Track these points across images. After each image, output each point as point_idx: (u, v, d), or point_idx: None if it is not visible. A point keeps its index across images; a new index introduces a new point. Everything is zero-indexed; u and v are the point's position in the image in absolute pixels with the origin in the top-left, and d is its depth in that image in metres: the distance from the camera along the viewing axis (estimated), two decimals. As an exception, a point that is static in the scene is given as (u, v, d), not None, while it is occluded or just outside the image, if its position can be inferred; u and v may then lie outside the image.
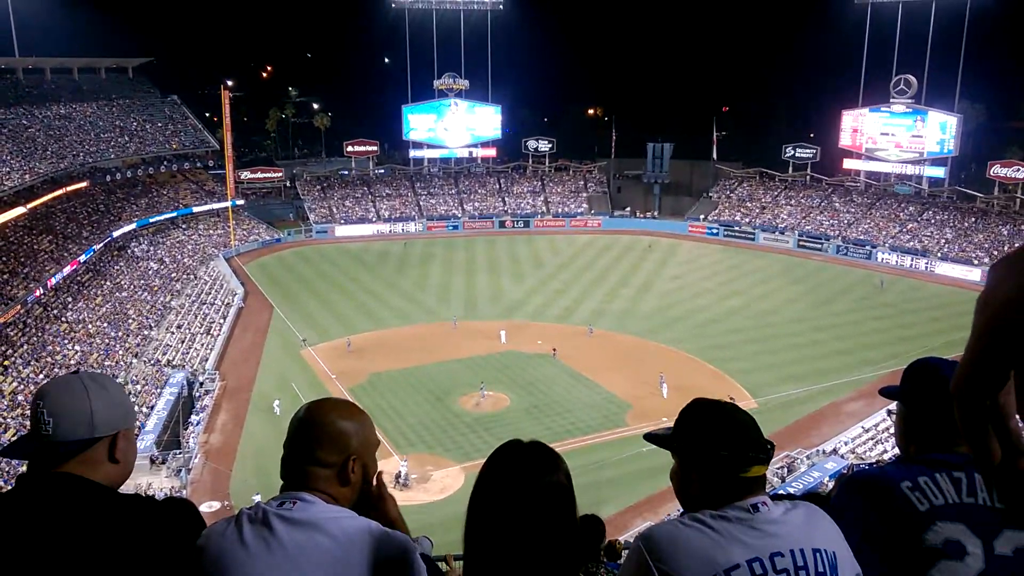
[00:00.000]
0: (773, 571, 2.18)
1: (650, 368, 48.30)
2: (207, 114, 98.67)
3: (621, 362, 50.81)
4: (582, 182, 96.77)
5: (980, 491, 2.32)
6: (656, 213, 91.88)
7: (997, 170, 78.29)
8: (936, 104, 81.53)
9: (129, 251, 70.43)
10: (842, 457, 37.88)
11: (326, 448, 2.44)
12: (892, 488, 2.33)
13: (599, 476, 37.04)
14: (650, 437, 2.55)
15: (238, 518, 2.35)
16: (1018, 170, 77.45)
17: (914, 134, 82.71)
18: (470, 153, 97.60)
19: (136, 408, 43.05)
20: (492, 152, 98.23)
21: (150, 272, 67.23)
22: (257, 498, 31.16)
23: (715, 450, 2.34)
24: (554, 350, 52.12)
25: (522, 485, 2.33)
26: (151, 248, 72.83)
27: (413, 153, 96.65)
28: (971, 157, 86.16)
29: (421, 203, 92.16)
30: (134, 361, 49.82)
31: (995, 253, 71.81)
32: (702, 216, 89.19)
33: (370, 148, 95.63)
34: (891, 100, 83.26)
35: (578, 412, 44.48)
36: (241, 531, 2.30)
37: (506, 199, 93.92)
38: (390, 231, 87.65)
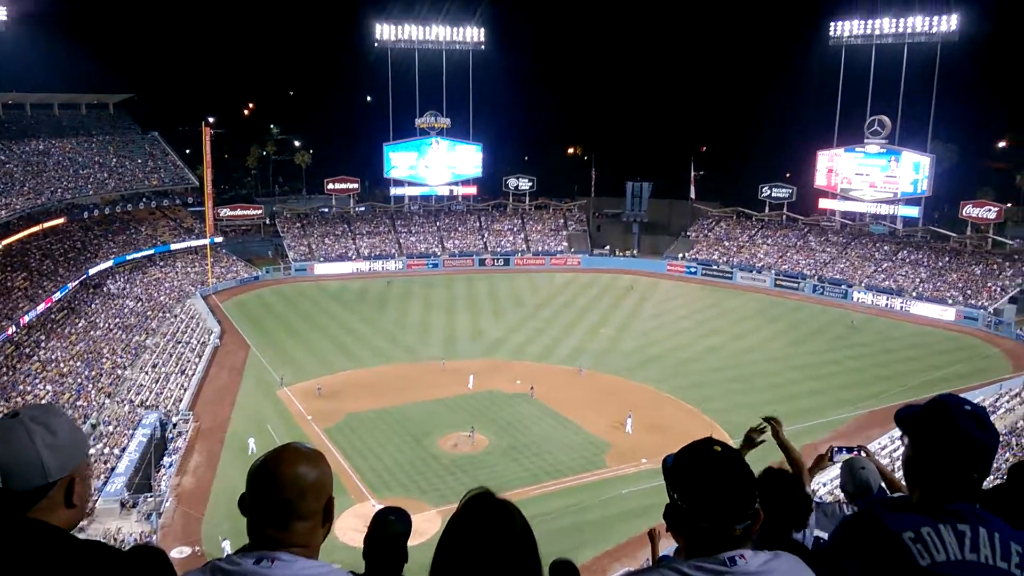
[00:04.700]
0: None
1: (628, 408, 48.20)
2: (187, 151, 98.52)
3: (600, 401, 50.67)
4: (562, 220, 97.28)
5: (983, 547, 2.23)
6: (635, 252, 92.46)
7: (969, 210, 79.51)
8: (909, 145, 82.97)
9: (105, 289, 69.80)
10: (820, 499, 37.67)
11: (310, 499, 2.43)
12: (894, 537, 2.25)
13: (579, 519, 36.78)
14: (664, 469, 2.57)
15: (209, 571, 2.32)
16: (989, 210, 78.71)
17: (888, 174, 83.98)
18: (451, 191, 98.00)
19: (107, 450, 42.36)
20: (473, 190, 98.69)
21: (126, 310, 66.57)
22: (225, 544, 30.60)
23: (697, 521, 2.37)
24: (531, 388, 51.96)
25: (479, 553, 2.27)
26: (127, 286, 72.22)
27: (394, 191, 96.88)
28: (944, 197, 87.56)
29: (401, 241, 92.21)
30: (107, 401, 49.09)
31: (969, 292, 72.76)
32: (680, 255, 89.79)
33: (351, 185, 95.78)
34: (865, 140, 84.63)
35: (557, 453, 44.20)
36: None
37: (486, 237, 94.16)
38: (370, 269, 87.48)
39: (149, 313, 66.96)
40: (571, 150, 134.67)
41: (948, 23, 79.39)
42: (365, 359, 59.33)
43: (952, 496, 2.41)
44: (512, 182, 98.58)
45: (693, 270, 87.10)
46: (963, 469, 2.44)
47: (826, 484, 39.99)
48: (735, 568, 2.27)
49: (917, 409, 2.60)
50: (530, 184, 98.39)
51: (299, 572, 2.31)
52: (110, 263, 73.17)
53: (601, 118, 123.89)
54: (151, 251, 79.25)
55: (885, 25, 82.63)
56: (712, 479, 2.38)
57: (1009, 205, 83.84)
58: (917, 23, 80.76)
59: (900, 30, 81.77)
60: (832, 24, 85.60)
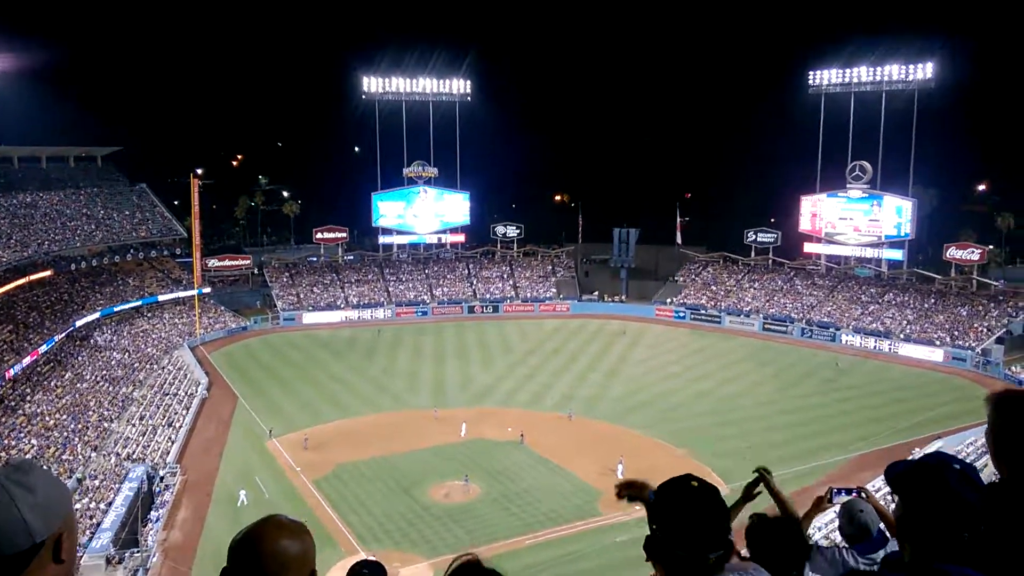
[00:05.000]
0: None
1: (619, 453, 47.89)
2: (176, 202, 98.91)
3: (591, 447, 50.38)
4: (550, 267, 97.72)
5: None
6: (624, 297, 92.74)
7: (953, 252, 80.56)
8: (891, 189, 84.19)
9: (92, 341, 69.33)
10: (815, 543, 37.41)
11: (292, 573, 2.43)
12: None
13: (574, 568, 36.38)
14: (646, 504, 2.80)
15: None
16: (973, 252, 79.79)
17: (871, 218, 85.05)
18: (439, 239, 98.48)
19: (93, 504, 41.69)
20: (461, 238, 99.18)
21: (112, 362, 66.04)
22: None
23: (674, 550, 2.59)
24: (522, 435, 51.69)
25: None
26: (114, 337, 71.76)
27: (382, 239, 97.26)
28: (927, 240, 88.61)
29: (390, 289, 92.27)
30: (93, 455, 48.42)
31: (956, 333, 73.26)
32: (668, 300, 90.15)
33: (339, 235, 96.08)
34: (848, 186, 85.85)
35: (549, 501, 43.79)
36: None
37: (475, 284, 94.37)
38: (359, 317, 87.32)
39: (136, 365, 66.44)
40: (558, 197, 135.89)
41: (924, 71, 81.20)
42: (355, 408, 58.92)
43: (943, 555, 2.41)
44: (500, 229, 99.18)
45: (681, 315, 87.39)
46: (954, 529, 2.45)
47: (821, 528, 39.76)
48: None
49: (907, 466, 2.65)
50: (518, 231, 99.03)
51: None
52: (97, 315, 72.77)
53: (587, 166, 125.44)
54: (139, 302, 78.94)
55: (863, 74, 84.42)
56: (689, 511, 2.59)
57: (990, 247, 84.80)
58: (894, 71, 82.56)
59: (878, 78, 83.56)
60: (811, 73, 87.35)
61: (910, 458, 2.76)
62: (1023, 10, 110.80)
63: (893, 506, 2.81)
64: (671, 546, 2.60)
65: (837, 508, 5.56)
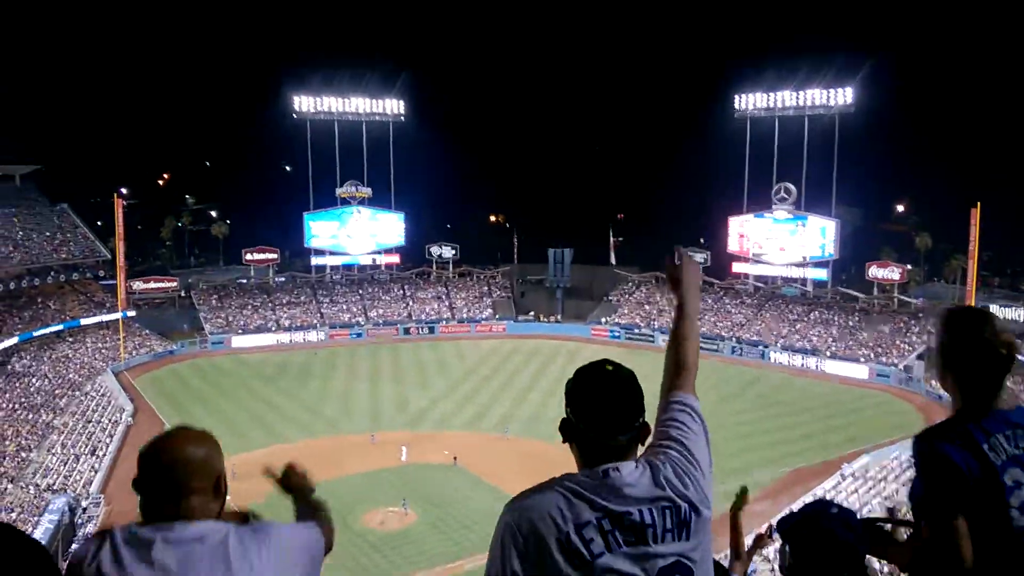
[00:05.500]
0: (620, 528, 2.50)
1: (555, 472, 47.94)
2: (99, 223, 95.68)
3: (529, 468, 50.10)
4: (486, 287, 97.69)
5: None
6: (559, 317, 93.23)
7: (875, 271, 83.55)
8: (815, 210, 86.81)
9: (10, 367, 66.51)
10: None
11: (198, 477, 2.60)
12: None
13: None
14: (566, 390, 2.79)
15: (109, 540, 2.43)
16: (893, 271, 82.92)
17: (796, 238, 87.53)
18: (373, 260, 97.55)
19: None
20: (396, 259, 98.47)
21: (32, 389, 63.42)
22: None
23: (586, 432, 2.68)
24: (455, 458, 51.36)
25: None
26: (34, 363, 68.98)
27: (315, 260, 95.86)
28: (851, 259, 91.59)
29: (323, 311, 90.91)
30: (9, 487, 46.34)
31: (879, 350, 75.69)
32: (604, 319, 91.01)
33: (270, 256, 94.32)
34: (773, 207, 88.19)
35: (487, 524, 43.20)
36: (117, 553, 2.39)
37: (410, 305, 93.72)
38: (291, 340, 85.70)
39: (57, 391, 63.89)
40: (493, 218, 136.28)
41: (844, 96, 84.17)
42: (287, 434, 57.68)
43: None
44: (435, 250, 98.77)
45: (616, 334, 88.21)
46: (834, 569, 2.63)
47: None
48: (607, 479, 2.59)
49: (792, 518, 2.85)
50: (453, 252, 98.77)
51: (198, 532, 2.48)
52: (15, 340, 69.89)
53: (522, 186, 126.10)
54: (60, 327, 76.05)
55: (786, 98, 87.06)
56: (599, 393, 2.67)
57: (909, 266, 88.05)
58: (816, 96, 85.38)
59: (800, 103, 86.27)
60: (737, 97, 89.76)
61: (795, 509, 2.96)
62: (937, 36, 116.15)
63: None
64: (583, 427, 2.66)
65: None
